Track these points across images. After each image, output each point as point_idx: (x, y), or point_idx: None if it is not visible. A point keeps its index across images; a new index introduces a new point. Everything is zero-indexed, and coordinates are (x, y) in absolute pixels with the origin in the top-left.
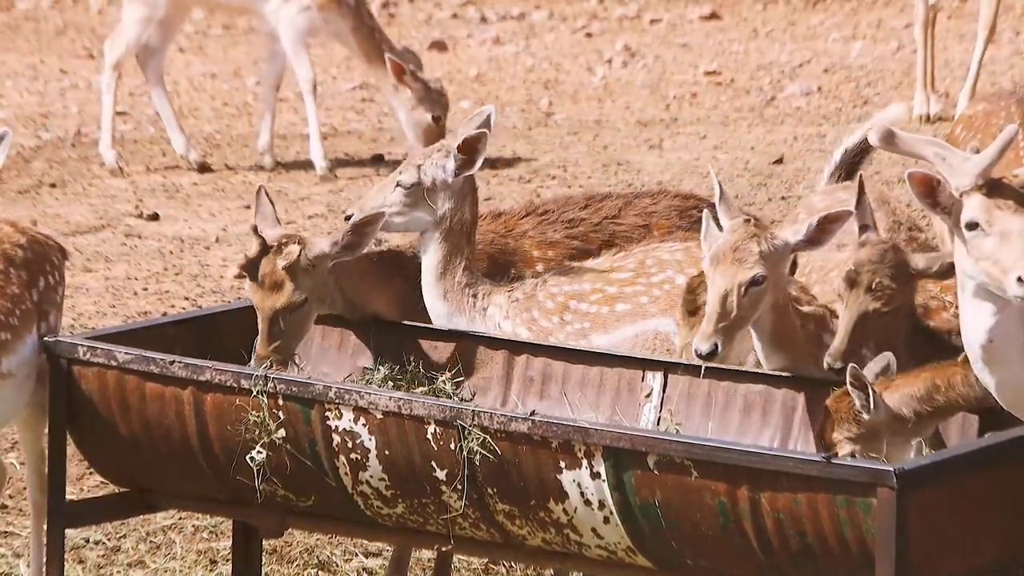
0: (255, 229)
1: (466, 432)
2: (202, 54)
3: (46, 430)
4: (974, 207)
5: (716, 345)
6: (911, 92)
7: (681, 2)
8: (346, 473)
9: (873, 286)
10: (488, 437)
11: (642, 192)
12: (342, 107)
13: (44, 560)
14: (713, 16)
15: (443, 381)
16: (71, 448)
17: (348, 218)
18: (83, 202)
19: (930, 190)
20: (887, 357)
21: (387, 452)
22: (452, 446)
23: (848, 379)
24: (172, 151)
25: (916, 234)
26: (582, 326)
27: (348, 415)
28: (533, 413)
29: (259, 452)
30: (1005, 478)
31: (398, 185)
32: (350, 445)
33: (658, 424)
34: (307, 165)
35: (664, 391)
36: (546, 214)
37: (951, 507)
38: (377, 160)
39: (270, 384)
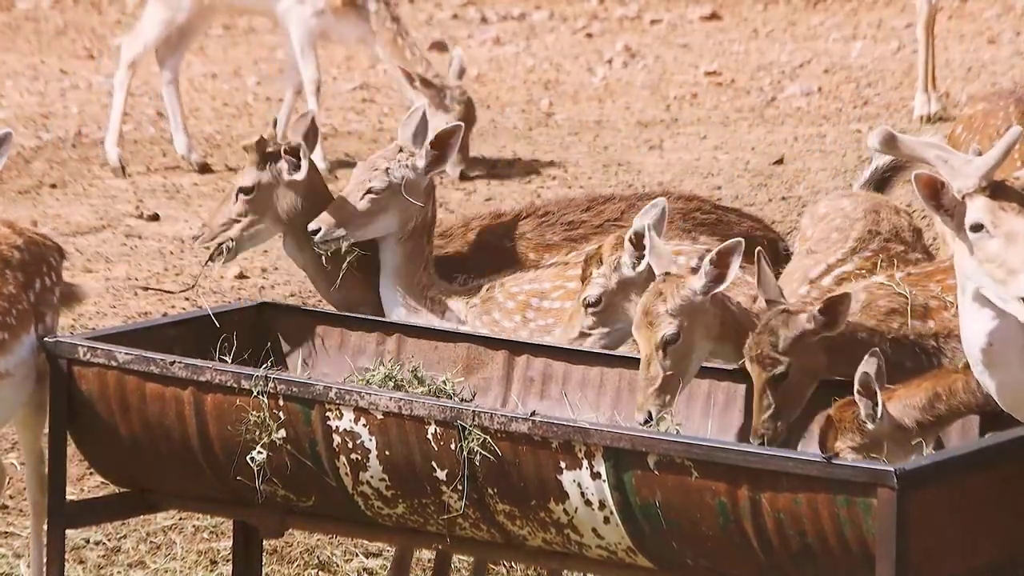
0: None
1: (466, 432)
2: (202, 54)
3: (45, 431)
4: (978, 209)
5: (650, 413)
6: (911, 92)
7: (681, 2)
8: (346, 473)
9: (758, 357)
10: (488, 437)
11: (644, 194)
12: (342, 107)
13: (44, 560)
14: (713, 16)
15: (443, 381)
16: (71, 448)
17: (314, 232)
18: (83, 202)
19: (934, 192)
20: (876, 355)
21: (387, 452)
22: (452, 446)
23: (856, 387)
24: (172, 151)
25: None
26: (545, 323)
27: (348, 415)
28: (533, 413)
29: (259, 452)
30: (1005, 478)
31: (368, 192)
32: (350, 445)
33: (658, 424)
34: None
35: None
36: (547, 215)
37: (951, 507)
38: None
39: (270, 384)
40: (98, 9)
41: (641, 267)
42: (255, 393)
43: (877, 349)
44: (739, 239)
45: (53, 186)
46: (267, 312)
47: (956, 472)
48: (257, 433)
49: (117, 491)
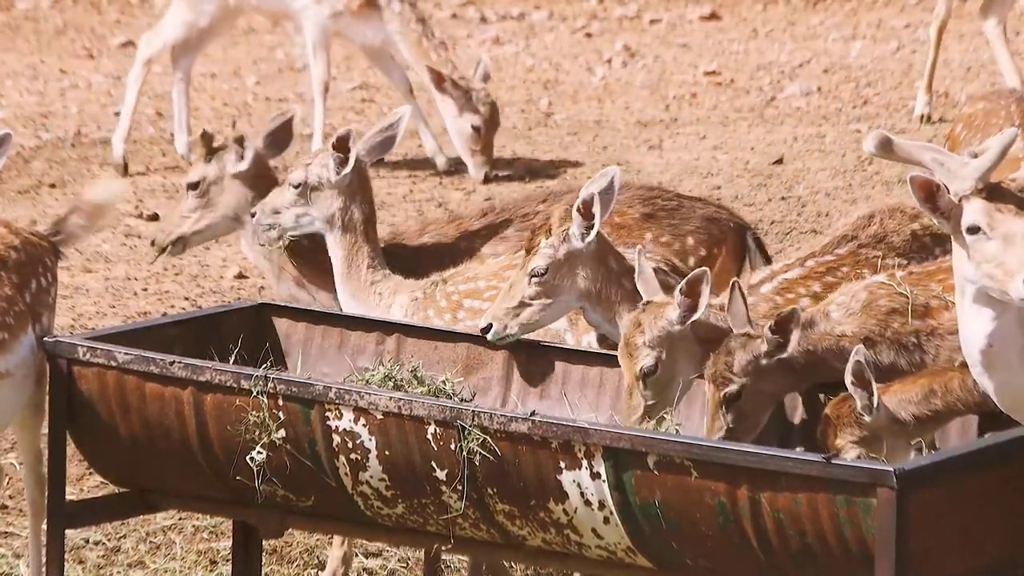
0: None
1: (466, 432)
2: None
3: (43, 431)
4: (975, 211)
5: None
6: (911, 92)
7: (681, 2)
8: (346, 473)
9: (712, 376)
10: (488, 437)
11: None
12: (342, 107)
13: (44, 560)
14: (713, 16)
15: (443, 381)
16: (71, 448)
17: (252, 215)
18: None
19: (931, 195)
20: (860, 351)
21: (387, 452)
22: (452, 446)
23: (849, 378)
24: (172, 151)
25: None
26: (475, 323)
27: (348, 415)
28: (533, 413)
29: (259, 452)
30: (1005, 478)
31: (289, 185)
32: (350, 445)
33: (658, 424)
34: None
35: None
36: (502, 212)
37: (951, 507)
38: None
39: (270, 384)
40: (98, 9)
41: (590, 237)
42: (255, 393)
43: (861, 344)
44: (704, 269)
45: (52, 186)
46: (267, 312)
47: (956, 472)
48: (257, 433)
49: (117, 491)
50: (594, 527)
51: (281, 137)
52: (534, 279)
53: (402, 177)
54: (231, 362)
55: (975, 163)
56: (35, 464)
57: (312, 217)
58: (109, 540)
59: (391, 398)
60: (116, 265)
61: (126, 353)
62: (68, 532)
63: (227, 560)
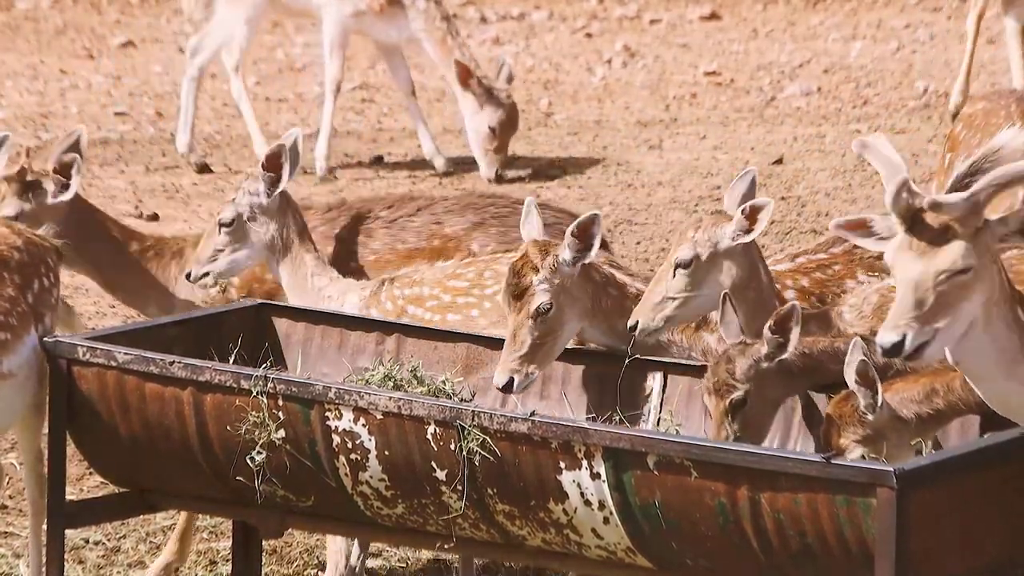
0: None
1: (466, 432)
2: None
3: (44, 431)
4: (889, 248)
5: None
6: (911, 92)
7: (681, 2)
8: (346, 473)
9: (715, 385)
10: (488, 437)
11: (444, 197)
12: (342, 107)
13: (43, 560)
14: (713, 16)
15: (443, 381)
16: (71, 448)
17: (188, 276)
18: None
19: (867, 231)
20: (859, 346)
21: (387, 452)
22: (452, 446)
23: (854, 377)
24: (172, 151)
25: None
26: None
27: (348, 415)
28: (533, 413)
29: (259, 452)
30: (1005, 478)
31: (220, 226)
32: (350, 445)
33: (658, 425)
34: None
35: (664, 391)
36: (347, 209)
37: (951, 507)
38: (377, 161)
39: (270, 384)
40: (98, 9)
41: (587, 259)
42: (255, 393)
43: (859, 338)
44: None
45: None
46: (266, 312)
47: (956, 472)
48: (256, 433)
49: (117, 491)
50: (594, 527)
51: (68, 162)
52: (539, 318)
53: (401, 177)
54: (231, 362)
55: (906, 196)
56: (36, 464)
57: (249, 252)
58: (109, 540)
59: (391, 398)
60: None
61: (126, 353)
62: (68, 532)
63: (227, 560)
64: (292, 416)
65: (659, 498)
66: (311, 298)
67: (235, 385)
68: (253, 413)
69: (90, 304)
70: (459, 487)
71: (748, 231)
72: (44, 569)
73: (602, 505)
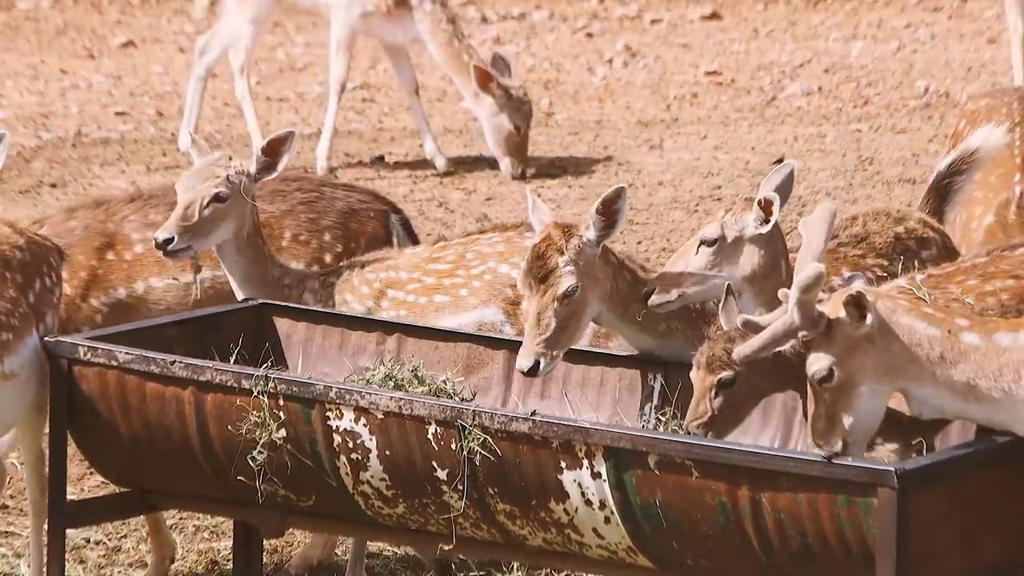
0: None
1: (467, 432)
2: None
3: (45, 431)
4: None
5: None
6: (912, 92)
7: (682, 2)
8: (347, 473)
9: (708, 360)
10: (489, 437)
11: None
12: (343, 107)
13: (44, 560)
14: (714, 16)
15: (444, 381)
16: (71, 448)
17: (167, 241)
18: None
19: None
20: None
21: (388, 452)
22: (453, 446)
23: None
24: (172, 151)
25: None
26: (397, 313)
27: (349, 415)
28: (534, 413)
29: (260, 452)
30: (1005, 478)
31: (216, 199)
32: (351, 445)
33: (659, 424)
34: (308, 165)
35: (664, 391)
36: (151, 199)
37: (952, 507)
38: (378, 161)
39: (271, 384)
40: (98, 9)
41: (612, 236)
42: (255, 393)
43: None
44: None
45: (53, 186)
46: (267, 312)
47: (956, 472)
48: (257, 433)
49: (117, 491)
50: (595, 527)
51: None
52: (566, 299)
53: (402, 177)
54: (232, 362)
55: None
56: (37, 464)
57: (221, 230)
58: (110, 540)
59: (392, 398)
60: None
61: (127, 353)
62: (69, 532)
63: (228, 560)
64: (293, 416)
65: (660, 498)
66: (270, 289)
67: (236, 385)
68: (254, 413)
69: None
70: (460, 487)
71: (765, 222)
72: (45, 569)
73: (603, 505)
